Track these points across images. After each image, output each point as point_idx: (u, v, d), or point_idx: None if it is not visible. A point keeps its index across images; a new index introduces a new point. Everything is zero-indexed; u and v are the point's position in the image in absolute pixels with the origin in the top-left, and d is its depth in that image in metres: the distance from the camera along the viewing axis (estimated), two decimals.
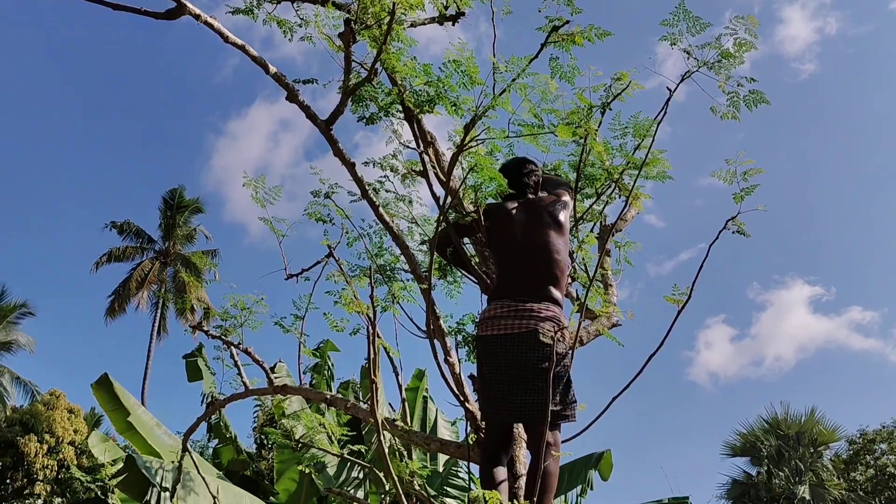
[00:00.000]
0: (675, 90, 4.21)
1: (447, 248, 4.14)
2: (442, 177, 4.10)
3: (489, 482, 3.45)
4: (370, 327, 3.28)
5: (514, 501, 3.21)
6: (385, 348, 4.21)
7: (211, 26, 3.22)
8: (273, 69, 3.49)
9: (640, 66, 4.31)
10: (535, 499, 3.22)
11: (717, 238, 3.70)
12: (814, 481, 25.10)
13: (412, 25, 4.53)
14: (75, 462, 20.71)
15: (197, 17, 3.13)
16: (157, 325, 34.25)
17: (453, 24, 5.10)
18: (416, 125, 3.95)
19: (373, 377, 3.09)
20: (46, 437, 20.92)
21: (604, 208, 4.89)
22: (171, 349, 37.08)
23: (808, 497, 24.35)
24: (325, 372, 9.40)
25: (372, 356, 3.14)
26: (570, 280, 4.46)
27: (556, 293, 3.72)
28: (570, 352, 3.67)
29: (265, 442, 16.03)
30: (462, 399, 3.92)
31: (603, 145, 4.62)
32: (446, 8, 4.93)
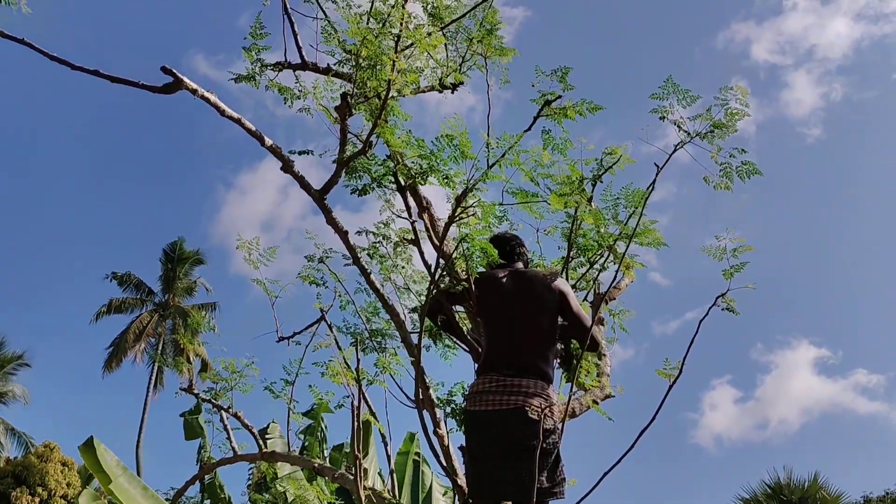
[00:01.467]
0: (663, 166, 4.26)
1: (438, 315, 4.13)
2: (436, 241, 4.13)
3: None
4: (354, 401, 3.26)
5: None
6: (372, 419, 4.16)
7: (207, 100, 3.27)
8: (269, 141, 3.54)
9: (639, 131, 4.36)
10: None
11: (706, 315, 3.70)
12: None
13: (413, 93, 4.61)
14: None
15: (193, 91, 3.19)
16: (153, 378, 34.06)
17: (452, 93, 5.23)
18: (408, 195, 3.99)
19: (356, 453, 3.06)
20: (39, 489, 20.69)
21: (597, 277, 4.90)
22: (167, 402, 36.80)
23: None
24: (318, 434, 9.30)
25: (355, 430, 3.11)
26: (561, 353, 4.43)
27: (544, 367, 3.68)
28: (560, 427, 3.63)
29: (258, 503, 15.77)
30: (451, 472, 3.87)
31: (594, 215, 4.66)
32: (441, 81, 5.06)
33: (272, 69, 4.76)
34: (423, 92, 4.93)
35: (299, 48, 4.79)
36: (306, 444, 9.71)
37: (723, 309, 3.74)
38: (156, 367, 34.23)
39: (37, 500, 20.56)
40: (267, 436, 9.58)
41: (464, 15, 4.74)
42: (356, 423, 3.15)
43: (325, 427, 9.51)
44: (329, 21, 4.85)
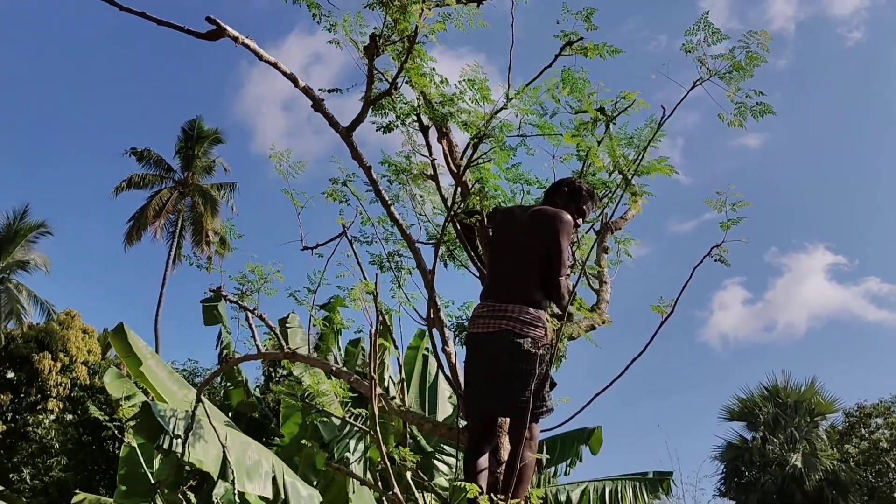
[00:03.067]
0: (673, 111, 4.43)
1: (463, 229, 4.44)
2: (454, 168, 4.38)
3: (471, 472, 3.77)
4: (371, 328, 3.59)
5: (491, 494, 3.54)
6: (387, 344, 4.53)
7: (247, 46, 3.45)
8: (302, 83, 3.73)
9: (661, 67, 4.50)
10: (511, 488, 3.59)
11: (700, 262, 3.95)
12: (807, 450, 25.56)
13: (437, 5, 4.72)
14: (87, 381, 21.32)
15: (235, 39, 3.37)
16: (172, 254, 34.81)
17: (478, 6, 5.29)
18: (430, 132, 4.21)
19: (372, 374, 3.42)
20: (61, 355, 21.50)
21: (603, 210, 5.14)
22: (185, 277, 37.73)
23: (799, 465, 24.85)
24: (335, 327, 9.78)
25: (373, 354, 3.46)
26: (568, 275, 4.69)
27: (533, 294, 3.91)
28: (548, 349, 3.87)
29: (273, 375, 16.56)
30: (456, 388, 4.26)
31: (608, 148, 4.86)
32: None
33: None
34: (448, 5, 5.03)
35: None
36: (323, 333, 10.23)
37: (716, 260, 4.00)
38: (175, 243, 34.93)
39: (59, 365, 21.34)
40: (287, 325, 10.09)
41: None
42: (374, 350, 3.49)
43: (342, 320, 9.98)
44: None
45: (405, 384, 5.88)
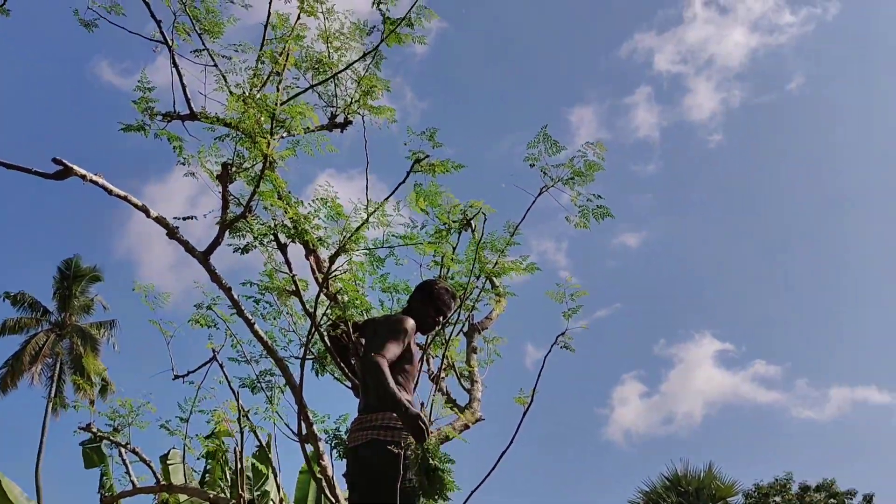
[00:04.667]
0: (526, 213, 4.85)
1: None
2: (320, 279, 4.55)
3: None
4: (237, 447, 3.63)
5: None
6: (257, 463, 4.54)
7: (96, 183, 3.57)
8: (154, 213, 3.87)
9: (509, 178, 4.88)
10: None
11: (549, 351, 4.23)
12: None
13: (303, 132, 4.99)
14: None
15: (83, 177, 3.49)
16: (52, 398, 32.96)
17: (342, 132, 5.62)
18: (288, 247, 4.38)
19: (241, 492, 3.43)
20: None
21: (470, 312, 5.39)
22: (70, 423, 35.53)
23: None
24: (220, 458, 9.45)
25: (239, 472, 3.49)
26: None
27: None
28: (412, 451, 3.98)
29: None
30: (335, 500, 4.29)
31: (470, 258, 5.18)
32: (334, 118, 5.48)
33: (162, 119, 5.07)
34: (313, 131, 5.31)
35: (188, 99, 5.10)
36: (209, 466, 9.85)
37: (561, 347, 4.30)
38: (54, 388, 33.14)
39: None
40: (168, 461, 9.68)
41: (342, 70, 5.18)
42: (240, 465, 3.52)
43: (226, 449, 9.67)
44: (220, 70, 5.19)
45: None
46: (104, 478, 10.34)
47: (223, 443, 9.46)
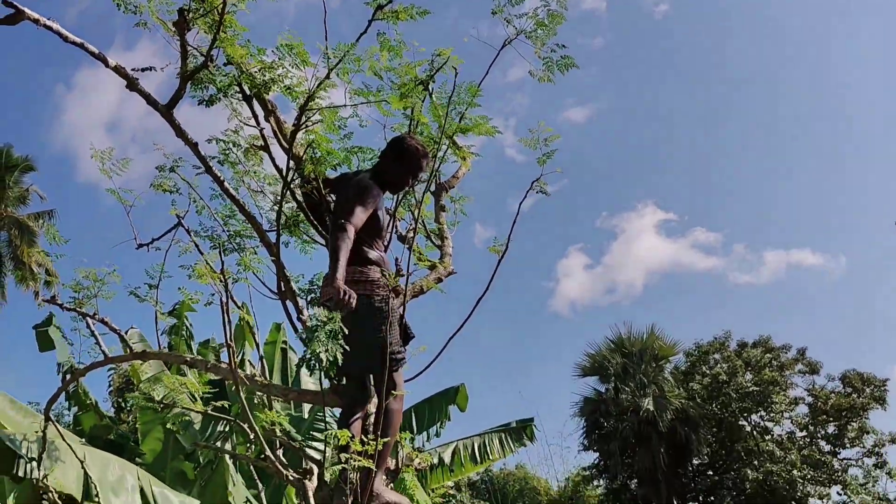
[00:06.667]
0: (492, 63, 4.74)
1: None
2: (285, 144, 4.41)
3: (346, 424, 3.90)
4: (222, 297, 3.60)
5: (362, 436, 3.67)
6: (243, 313, 4.52)
7: (50, 28, 3.33)
8: (112, 62, 3.64)
9: (471, 30, 4.76)
10: (379, 433, 3.75)
11: (524, 197, 4.26)
12: (657, 394, 27.29)
13: None
14: None
15: (36, 21, 3.24)
16: None
17: None
18: (254, 102, 4.22)
19: (228, 342, 3.43)
20: None
21: (437, 169, 5.35)
22: (13, 315, 35.05)
23: (651, 408, 26.49)
24: (184, 332, 9.50)
25: (226, 323, 3.48)
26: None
27: (362, 253, 4.05)
28: (390, 303, 4.04)
29: (123, 405, 15.79)
30: None
31: (432, 112, 5.07)
32: None
33: None
34: None
35: None
36: (172, 343, 9.89)
37: (537, 192, 4.32)
38: None
39: None
40: (130, 342, 9.63)
41: None
42: (227, 317, 3.51)
43: (191, 325, 9.71)
44: None
45: (266, 375, 5.86)
46: (60, 362, 10.30)
47: (186, 318, 9.50)
